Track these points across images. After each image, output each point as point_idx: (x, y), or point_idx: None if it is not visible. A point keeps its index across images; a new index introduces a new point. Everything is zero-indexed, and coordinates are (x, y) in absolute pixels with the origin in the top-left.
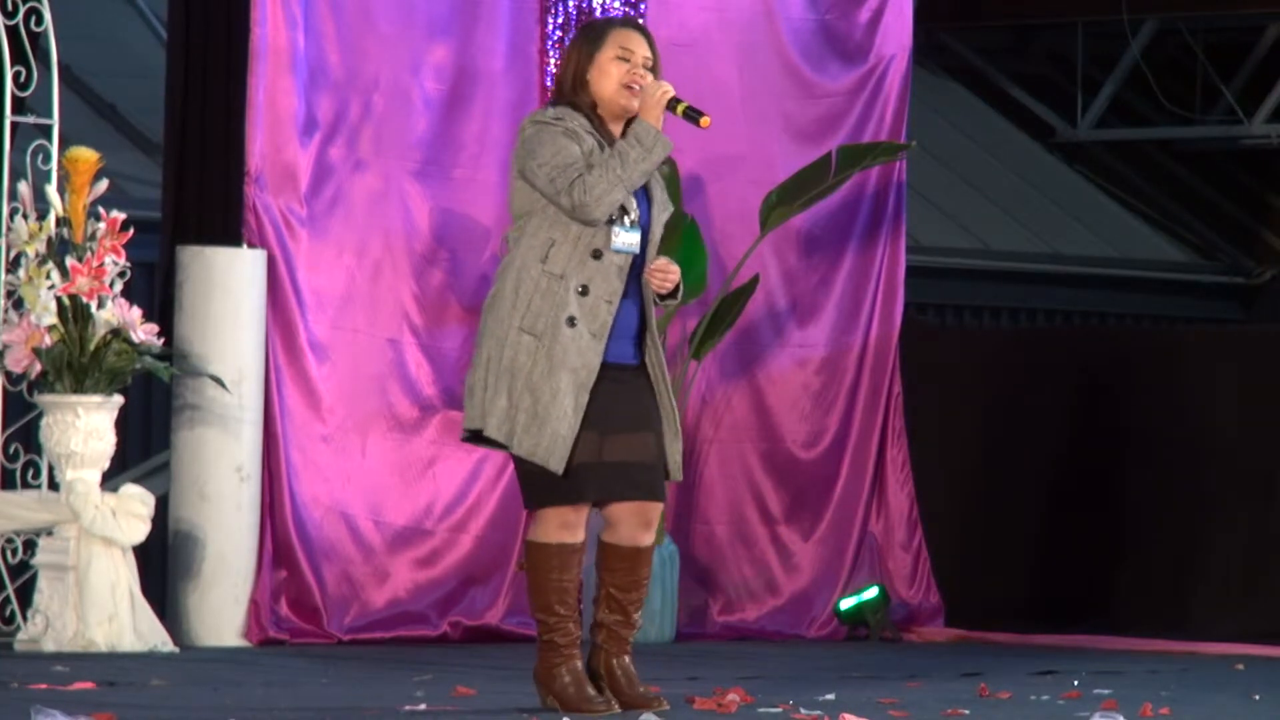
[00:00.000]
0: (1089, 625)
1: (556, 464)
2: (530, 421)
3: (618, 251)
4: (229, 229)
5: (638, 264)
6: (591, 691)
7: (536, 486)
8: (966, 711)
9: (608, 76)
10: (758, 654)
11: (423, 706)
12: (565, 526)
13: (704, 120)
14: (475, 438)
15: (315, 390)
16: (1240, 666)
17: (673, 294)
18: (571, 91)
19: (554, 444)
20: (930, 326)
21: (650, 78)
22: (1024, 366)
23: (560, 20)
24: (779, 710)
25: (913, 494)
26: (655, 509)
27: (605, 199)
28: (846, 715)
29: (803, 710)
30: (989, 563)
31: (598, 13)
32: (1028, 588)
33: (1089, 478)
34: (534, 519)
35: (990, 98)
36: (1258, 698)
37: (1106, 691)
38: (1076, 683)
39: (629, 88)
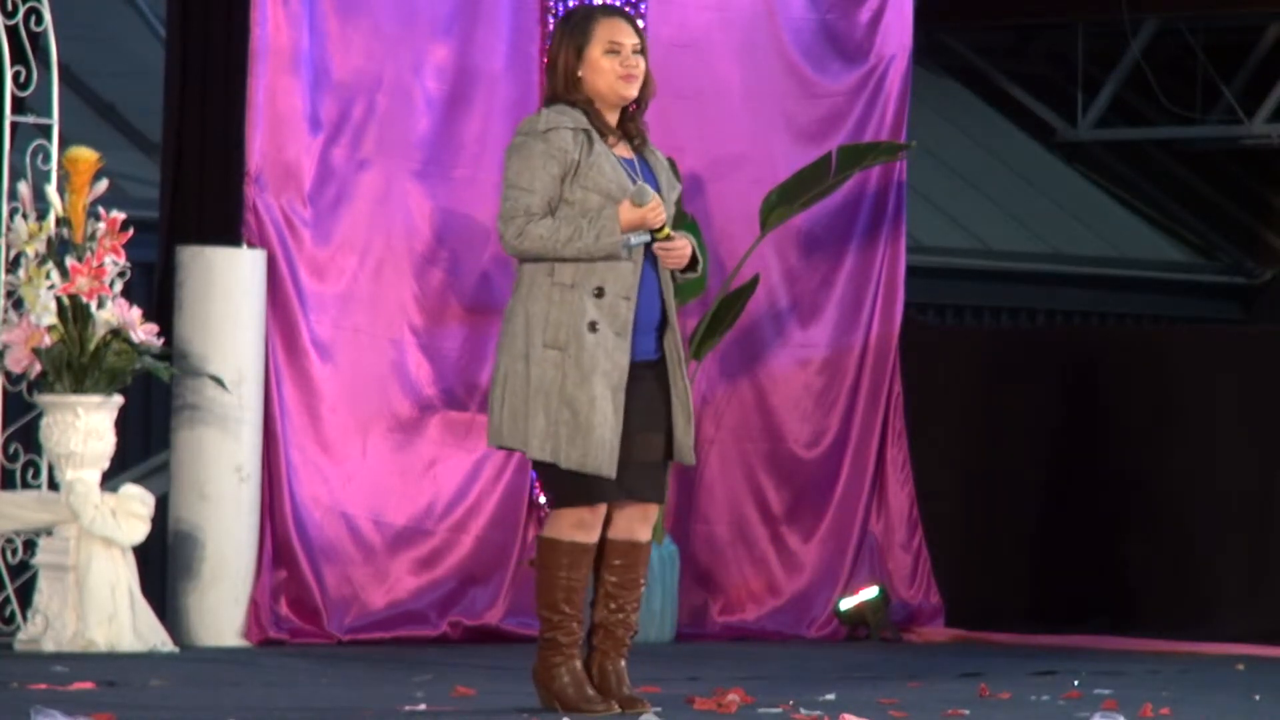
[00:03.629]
0: (1089, 625)
1: (609, 469)
2: (574, 434)
3: (630, 247)
4: (229, 229)
5: (652, 253)
6: (591, 692)
7: (557, 487)
8: (966, 711)
9: (601, 73)
10: (758, 654)
11: (423, 706)
12: (580, 526)
13: (661, 232)
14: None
15: (316, 390)
16: (1240, 666)
17: (691, 266)
18: (565, 90)
19: (601, 450)
20: (930, 326)
21: (643, 65)
22: (1023, 367)
23: None
24: (779, 710)
25: (913, 494)
26: (655, 508)
27: (527, 253)
28: (846, 715)
29: (803, 710)
30: (989, 563)
31: None
32: (1028, 588)
33: (1089, 478)
34: (550, 516)
35: (990, 98)
36: (1258, 698)
37: (1106, 691)
38: (1076, 683)
39: (625, 79)
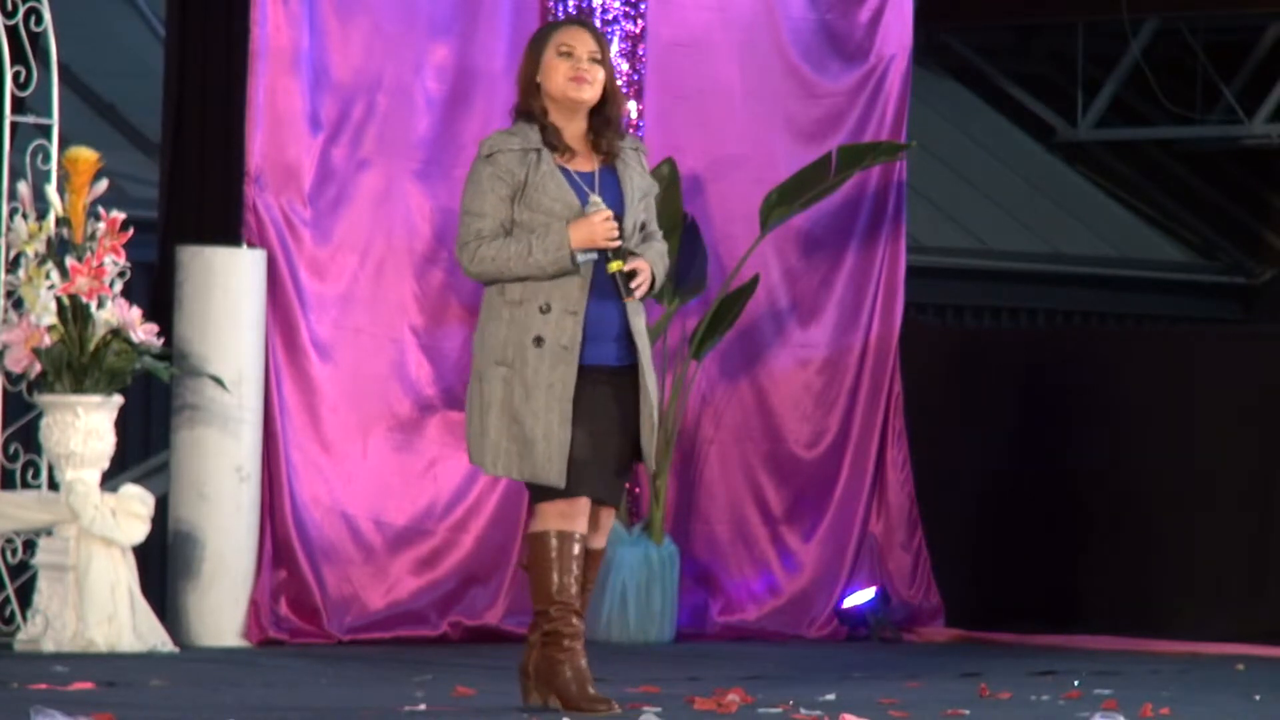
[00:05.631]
0: (1089, 625)
1: (558, 479)
2: (523, 448)
3: (581, 264)
4: (229, 229)
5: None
6: (593, 691)
7: (537, 484)
8: (966, 711)
9: (554, 73)
10: (758, 654)
11: (423, 706)
12: (563, 517)
13: (612, 265)
14: None
15: (316, 390)
16: (1240, 666)
17: (650, 291)
18: (525, 99)
19: (549, 463)
20: (930, 326)
21: (598, 73)
22: (1024, 366)
23: None
24: (779, 710)
25: (913, 494)
26: (609, 514)
27: (483, 276)
28: (846, 715)
29: (803, 710)
30: (989, 563)
31: (597, 13)
32: (1028, 588)
33: (1089, 477)
34: (533, 514)
35: (990, 98)
36: (1258, 698)
37: (1106, 691)
38: (1076, 683)
39: (575, 80)
